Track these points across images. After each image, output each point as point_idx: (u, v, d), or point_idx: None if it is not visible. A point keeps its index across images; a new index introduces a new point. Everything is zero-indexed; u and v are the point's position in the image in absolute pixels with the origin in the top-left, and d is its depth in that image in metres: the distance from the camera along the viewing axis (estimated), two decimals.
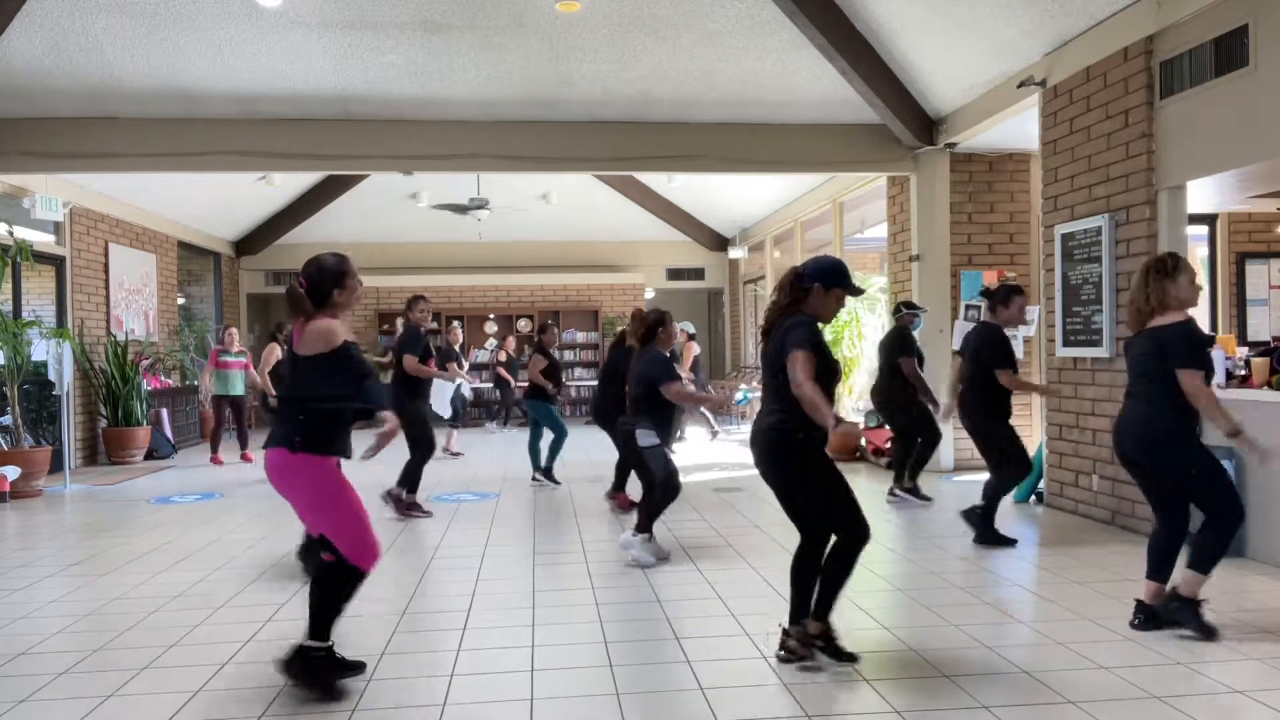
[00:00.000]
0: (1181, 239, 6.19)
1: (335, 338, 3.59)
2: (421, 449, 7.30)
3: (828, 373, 3.78)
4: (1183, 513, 4.18)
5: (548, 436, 8.83)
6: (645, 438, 5.82)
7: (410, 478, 7.28)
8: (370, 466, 4.31)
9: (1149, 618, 4.15)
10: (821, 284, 3.86)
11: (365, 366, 3.73)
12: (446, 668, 3.85)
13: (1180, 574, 4.13)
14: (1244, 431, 3.99)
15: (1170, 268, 4.14)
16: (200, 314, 15.40)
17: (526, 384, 9.15)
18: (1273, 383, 5.39)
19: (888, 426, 7.89)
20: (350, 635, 4.26)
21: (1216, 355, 5.75)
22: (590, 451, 11.73)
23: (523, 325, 16.89)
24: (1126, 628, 4.20)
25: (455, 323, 14.75)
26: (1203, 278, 9.32)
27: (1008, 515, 6.95)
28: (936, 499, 7.55)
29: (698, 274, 17.81)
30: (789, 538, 6.19)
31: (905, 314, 7.83)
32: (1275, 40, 5.21)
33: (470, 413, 15.73)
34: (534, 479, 8.77)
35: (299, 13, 7.61)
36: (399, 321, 15.38)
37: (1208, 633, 4.00)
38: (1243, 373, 5.75)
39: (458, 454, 11.24)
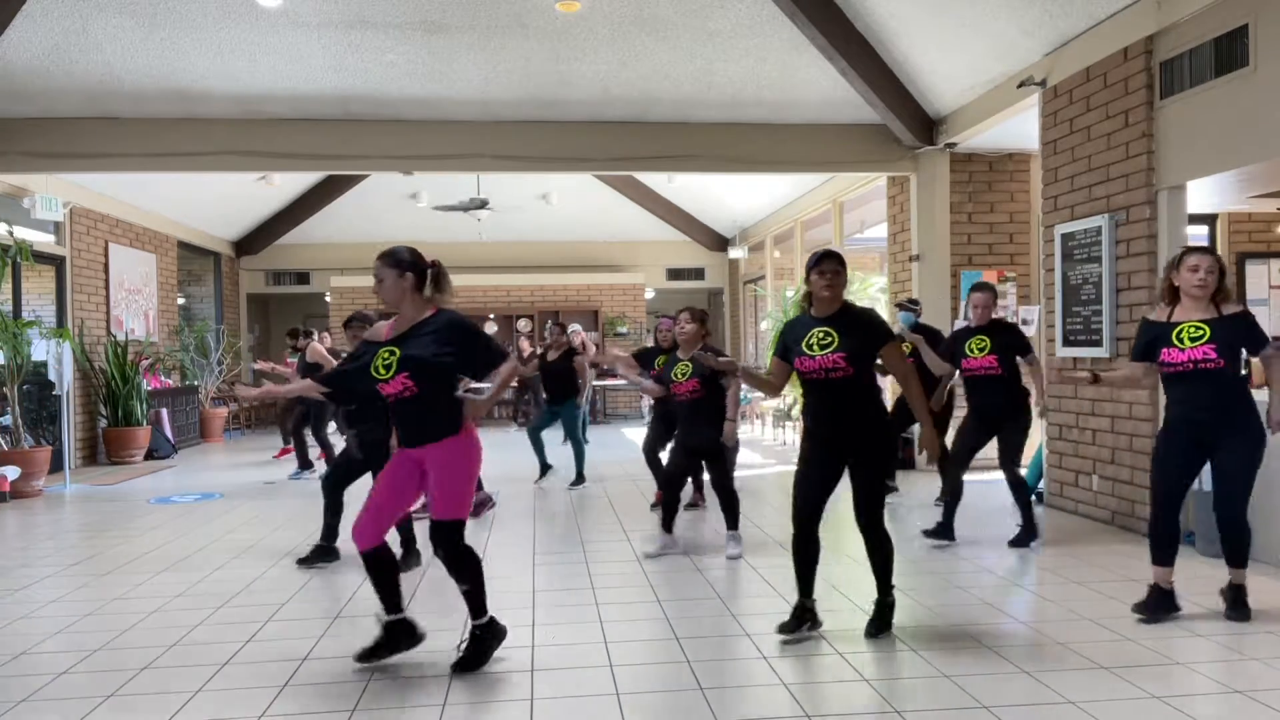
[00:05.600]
0: (1181, 239, 6.18)
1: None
2: None
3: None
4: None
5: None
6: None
7: None
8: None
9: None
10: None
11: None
12: (447, 668, 3.85)
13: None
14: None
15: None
16: (200, 314, 15.41)
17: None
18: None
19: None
20: (350, 635, 4.26)
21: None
22: (590, 451, 11.75)
23: (522, 325, 16.88)
24: (1127, 627, 4.20)
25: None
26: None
27: (1008, 515, 6.95)
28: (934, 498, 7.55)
29: (698, 274, 17.81)
30: (789, 537, 6.20)
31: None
32: (1275, 40, 5.21)
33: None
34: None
35: (299, 13, 7.61)
36: None
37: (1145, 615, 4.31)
38: (1243, 372, 5.74)
39: None
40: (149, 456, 11.48)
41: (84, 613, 4.82)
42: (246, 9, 7.50)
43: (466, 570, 3.85)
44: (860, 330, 4.04)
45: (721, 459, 5.85)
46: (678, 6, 7.63)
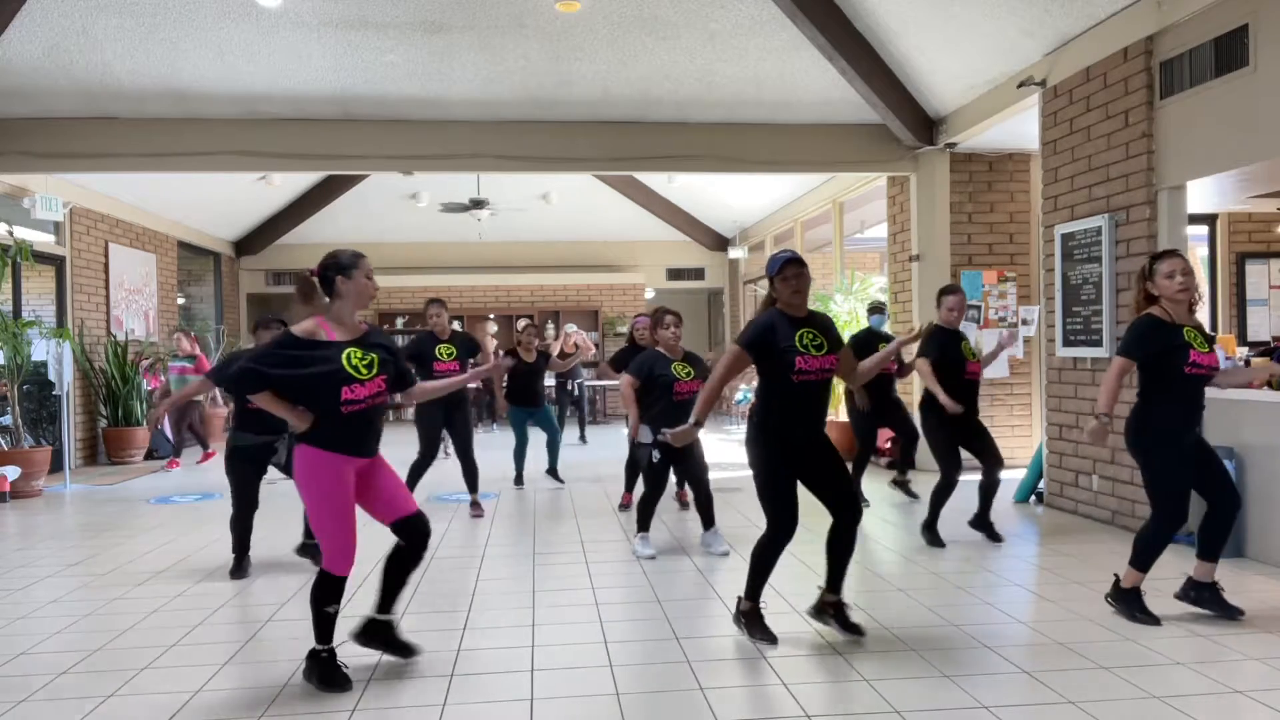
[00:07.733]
0: (1181, 239, 6.19)
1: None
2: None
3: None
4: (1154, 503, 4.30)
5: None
6: (642, 434, 5.89)
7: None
8: None
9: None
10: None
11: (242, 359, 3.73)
12: (447, 668, 3.85)
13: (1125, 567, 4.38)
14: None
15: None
16: (200, 314, 15.41)
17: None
18: (1273, 383, 5.38)
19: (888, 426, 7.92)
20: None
21: (1217, 355, 5.75)
22: (589, 451, 11.76)
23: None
24: (1127, 627, 4.20)
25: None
26: (1203, 278, 9.34)
27: (1007, 515, 6.96)
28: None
29: (698, 274, 17.82)
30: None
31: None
32: (1275, 40, 5.21)
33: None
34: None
35: (299, 13, 7.61)
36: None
37: (1152, 618, 4.23)
38: None
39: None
40: (149, 456, 11.49)
41: (84, 613, 4.82)
42: (246, 9, 7.50)
43: None
44: (832, 332, 4.04)
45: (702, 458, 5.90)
46: (678, 6, 7.63)
